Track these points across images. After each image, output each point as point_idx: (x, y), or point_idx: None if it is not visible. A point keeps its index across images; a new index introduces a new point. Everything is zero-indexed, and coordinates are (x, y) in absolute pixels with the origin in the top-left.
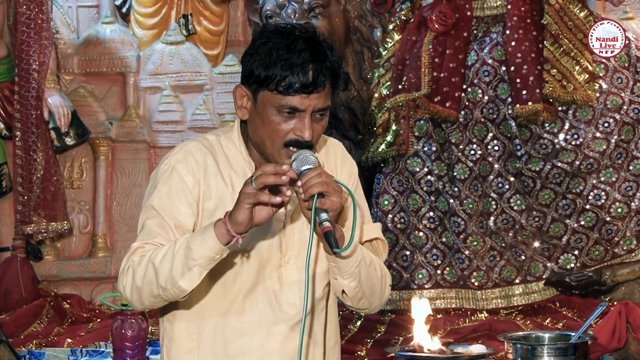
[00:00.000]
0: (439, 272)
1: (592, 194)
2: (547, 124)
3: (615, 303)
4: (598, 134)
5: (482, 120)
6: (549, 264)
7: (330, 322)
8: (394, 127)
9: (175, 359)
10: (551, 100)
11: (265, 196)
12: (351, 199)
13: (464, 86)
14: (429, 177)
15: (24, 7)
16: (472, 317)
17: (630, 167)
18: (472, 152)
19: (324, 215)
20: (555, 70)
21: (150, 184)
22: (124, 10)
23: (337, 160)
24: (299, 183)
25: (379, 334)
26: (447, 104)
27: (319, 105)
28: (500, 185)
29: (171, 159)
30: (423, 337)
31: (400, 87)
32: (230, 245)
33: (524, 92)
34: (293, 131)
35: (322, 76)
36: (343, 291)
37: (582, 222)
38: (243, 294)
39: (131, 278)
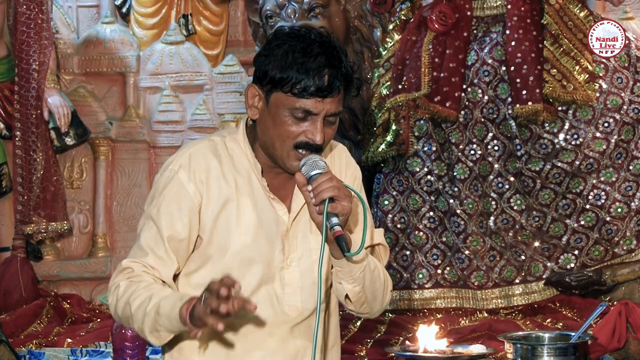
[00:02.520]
0: (439, 271)
1: (592, 193)
2: (547, 124)
3: (615, 303)
4: (598, 134)
5: (482, 120)
6: (549, 264)
7: (331, 324)
8: (394, 127)
9: (177, 358)
10: (551, 100)
11: (211, 320)
12: (361, 204)
13: (464, 86)
14: (429, 177)
15: (24, 7)
16: (472, 317)
17: (630, 167)
18: (472, 152)
19: (334, 220)
20: (555, 70)
21: (153, 189)
22: (124, 10)
23: (341, 165)
24: (309, 187)
25: (379, 334)
26: (447, 104)
27: (331, 110)
28: (500, 185)
29: (175, 164)
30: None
31: (400, 87)
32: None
33: (524, 92)
34: (304, 134)
35: (337, 81)
36: (346, 296)
37: (582, 222)
38: (245, 295)
39: (115, 303)
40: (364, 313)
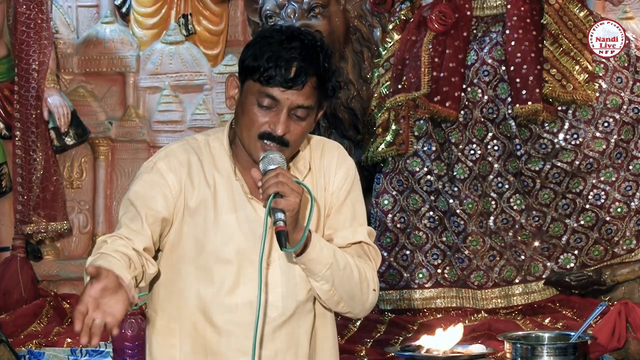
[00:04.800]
0: (439, 271)
1: (591, 193)
2: (546, 124)
3: (614, 303)
4: (598, 134)
5: (482, 120)
6: (548, 264)
7: (322, 325)
8: (393, 127)
9: (158, 353)
10: (551, 100)
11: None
12: (347, 202)
13: (464, 86)
14: (428, 176)
15: (24, 7)
16: (472, 317)
17: (630, 167)
18: (472, 151)
19: (279, 215)
20: (555, 70)
21: (136, 175)
22: (123, 10)
23: (332, 163)
24: (259, 184)
25: (379, 334)
26: (447, 104)
27: (297, 102)
28: (500, 185)
29: (154, 158)
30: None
31: (400, 86)
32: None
33: (524, 91)
34: (268, 124)
35: (304, 74)
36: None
37: (582, 222)
38: (223, 294)
39: (88, 261)
40: (344, 312)
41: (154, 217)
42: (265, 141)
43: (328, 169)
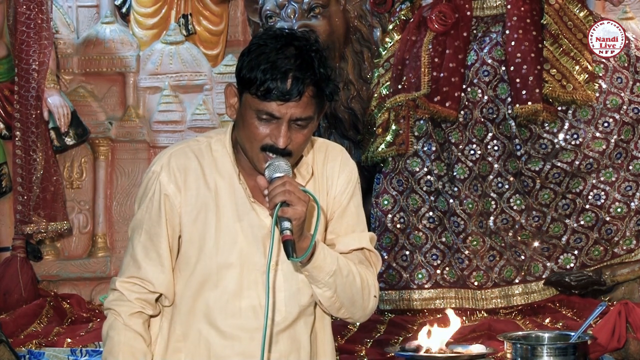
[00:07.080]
0: (438, 272)
1: (591, 193)
2: (546, 124)
3: (614, 303)
4: (598, 134)
5: (482, 120)
6: (548, 264)
7: (322, 328)
8: (393, 127)
9: (163, 357)
10: (551, 100)
11: None
12: (351, 208)
13: (464, 86)
14: (428, 177)
15: (24, 7)
16: (472, 317)
17: (630, 167)
18: (472, 152)
19: (285, 224)
20: (554, 70)
21: (140, 191)
22: (123, 10)
23: (334, 167)
24: (266, 192)
25: (379, 334)
26: (447, 104)
27: (296, 115)
28: (499, 185)
29: (157, 166)
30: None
31: (400, 87)
32: None
33: (524, 92)
34: (269, 137)
35: (301, 86)
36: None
37: (582, 222)
38: (226, 298)
39: (105, 333)
40: (344, 318)
41: (167, 240)
42: (268, 153)
43: (331, 173)
